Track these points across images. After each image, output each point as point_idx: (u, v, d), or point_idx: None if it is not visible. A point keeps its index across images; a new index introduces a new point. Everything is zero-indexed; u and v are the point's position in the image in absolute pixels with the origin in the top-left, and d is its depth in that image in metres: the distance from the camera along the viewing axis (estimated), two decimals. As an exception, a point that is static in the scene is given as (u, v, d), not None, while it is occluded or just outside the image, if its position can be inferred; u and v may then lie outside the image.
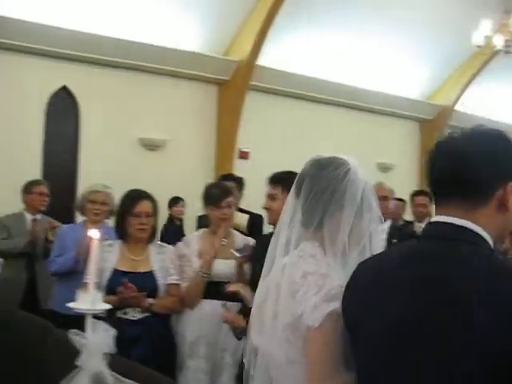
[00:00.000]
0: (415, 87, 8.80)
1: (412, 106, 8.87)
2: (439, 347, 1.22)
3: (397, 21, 7.47)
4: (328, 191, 1.62)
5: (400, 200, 6.39)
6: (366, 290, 1.41)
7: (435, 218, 1.38)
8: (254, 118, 7.03)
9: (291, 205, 1.74)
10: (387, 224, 4.28)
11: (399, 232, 4.55)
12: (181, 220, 6.46)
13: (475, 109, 9.74)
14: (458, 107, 9.17)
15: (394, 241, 4.13)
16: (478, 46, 6.96)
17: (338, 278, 1.55)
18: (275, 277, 1.65)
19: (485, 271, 1.24)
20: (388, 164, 8.68)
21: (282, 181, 2.83)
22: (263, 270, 1.74)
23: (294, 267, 1.61)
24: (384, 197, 4.19)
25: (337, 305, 1.48)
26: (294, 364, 1.56)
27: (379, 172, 8.57)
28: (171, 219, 6.33)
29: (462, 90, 8.90)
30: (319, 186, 1.63)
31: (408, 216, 6.40)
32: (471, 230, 1.31)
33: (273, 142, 7.23)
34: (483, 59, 8.29)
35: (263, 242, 2.47)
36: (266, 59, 6.79)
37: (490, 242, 1.31)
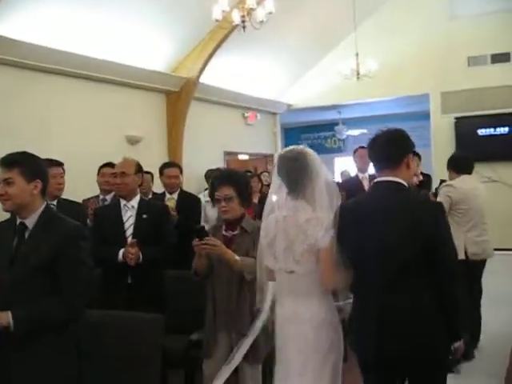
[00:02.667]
0: (160, 60, 8.82)
1: (158, 78, 8.88)
2: (393, 241, 2.59)
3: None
4: (304, 169, 2.83)
5: (147, 173, 6.42)
6: (344, 220, 2.74)
7: (379, 178, 2.77)
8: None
9: (277, 181, 2.91)
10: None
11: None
12: None
13: (217, 80, 10.16)
14: (201, 79, 9.44)
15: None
16: (217, 21, 7.20)
17: (326, 218, 2.78)
18: (280, 225, 2.85)
19: (405, 197, 2.73)
20: (137, 137, 8.62)
21: (15, 164, 2.67)
22: (263, 219, 2.98)
23: (294, 216, 2.81)
24: (122, 172, 4.16)
25: (332, 233, 2.74)
26: (309, 273, 2.79)
27: (128, 145, 8.49)
28: None
29: (205, 63, 9.16)
30: (297, 169, 2.83)
31: (158, 188, 6.44)
32: (397, 182, 2.70)
33: (14, 115, 6.66)
34: (223, 33, 8.62)
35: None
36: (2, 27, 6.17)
37: (406, 184, 2.73)
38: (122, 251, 3.90)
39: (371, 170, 7.17)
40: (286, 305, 2.89)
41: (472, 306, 4.98)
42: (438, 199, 5.12)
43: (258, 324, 3.19)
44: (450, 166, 5.47)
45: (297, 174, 2.83)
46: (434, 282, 2.56)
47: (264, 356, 3.44)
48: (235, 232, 3.46)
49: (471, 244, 5.12)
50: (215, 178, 3.53)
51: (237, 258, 3.29)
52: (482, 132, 11.29)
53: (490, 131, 11.24)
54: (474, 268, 5.08)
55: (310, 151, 2.89)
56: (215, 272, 3.44)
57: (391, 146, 2.72)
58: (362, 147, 7.07)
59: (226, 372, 3.17)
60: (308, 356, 2.81)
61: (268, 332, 3.17)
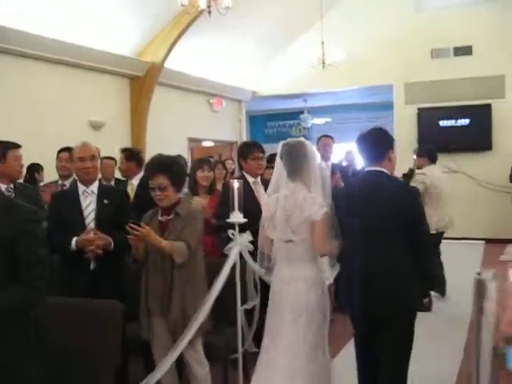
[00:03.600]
0: (125, 44, 8.70)
1: (122, 62, 8.76)
2: (380, 215, 3.22)
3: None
4: (302, 157, 3.42)
5: (111, 159, 6.35)
6: (340, 200, 3.42)
7: (368, 168, 3.41)
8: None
9: (279, 165, 3.49)
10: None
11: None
12: None
13: (182, 66, 10.08)
14: (166, 64, 9.35)
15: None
16: (183, 5, 7.14)
17: (319, 197, 3.39)
18: (280, 201, 3.42)
19: (390, 184, 3.36)
20: (100, 122, 8.50)
21: None
22: (266, 198, 3.80)
23: (293, 195, 3.39)
24: (93, 156, 4.04)
25: (325, 209, 3.33)
26: (304, 241, 3.37)
27: (91, 130, 8.38)
28: None
29: (170, 48, 9.08)
30: (296, 156, 3.42)
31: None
32: (382, 171, 3.35)
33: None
34: (189, 18, 8.53)
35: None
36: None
37: (389, 174, 3.39)
38: (74, 239, 3.81)
39: (333, 159, 7.25)
40: (282, 269, 3.47)
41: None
42: (414, 184, 6.16)
43: (205, 310, 3.46)
44: (427, 155, 6.73)
45: (297, 160, 3.42)
46: (412, 250, 3.23)
47: (200, 335, 3.58)
48: (170, 217, 3.56)
49: (439, 219, 6.42)
50: (149, 166, 3.60)
51: (164, 243, 3.39)
52: (443, 123, 11.48)
53: (452, 123, 11.44)
54: (437, 238, 6.36)
55: (308, 142, 3.52)
56: (150, 258, 3.54)
57: (376, 145, 3.41)
58: (325, 136, 7.12)
59: (170, 359, 3.37)
60: (300, 312, 3.38)
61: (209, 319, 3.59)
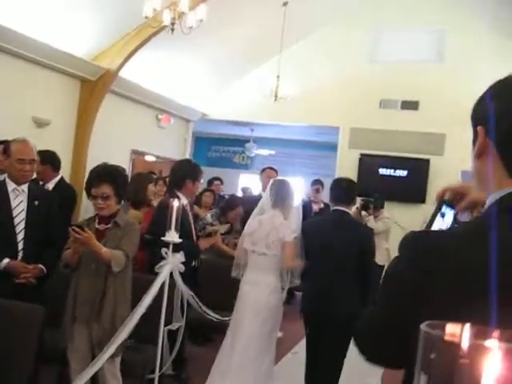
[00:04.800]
0: (81, 45, 8.54)
1: (75, 63, 8.58)
2: (341, 246, 4.23)
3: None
4: (286, 193, 4.51)
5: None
6: (310, 230, 4.44)
7: (335, 207, 4.51)
8: None
9: (266, 196, 4.56)
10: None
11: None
12: None
13: (137, 77, 10.00)
14: (121, 73, 9.24)
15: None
16: (147, 17, 7.11)
17: (292, 224, 4.38)
18: (262, 222, 4.39)
19: (352, 223, 4.63)
20: (44, 119, 8.28)
21: None
22: (250, 218, 4.61)
23: (272, 220, 4.40)
24: (32, 159, 3.94)
25: (295, 234, 4.32)
26: (274, 255, 4.32)
27: (35, 127, 8.14)
28: None
29: (128, 57, 8.98)
30: (282, 190, 4.51)
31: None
32: (347, 212, 4.45)
33: None
34: (151, 31, 8.49)
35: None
36: None
37: (352, 214, 4.74)
38: (6, 261, 3.68)
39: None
40: (251, 276, 4.35)
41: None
42: (382, 225, 8.58)
43: (130, 326, 3.47)
44: (380, 203, 8.82)
45: (282, 194, 4.46)
46: (358, 274, 4.18)
47: (121, 350, 3.54)
48: (108, 226, 3.57)
49: (389, 253, 8.37)
50: (94, 174, 3.60)
51: (104, 250, 3.37)
52: (382, 171, 11.80)
53: (391, 172, 11.77)
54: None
55: (291, 183, 4.65)
56: (83, 263, 3.51)
57: (350, 192, 4.50)
58: (270, 168, 7.21)
59: (88, 374, 3.36)
60: (259, 310, 4.18)
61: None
